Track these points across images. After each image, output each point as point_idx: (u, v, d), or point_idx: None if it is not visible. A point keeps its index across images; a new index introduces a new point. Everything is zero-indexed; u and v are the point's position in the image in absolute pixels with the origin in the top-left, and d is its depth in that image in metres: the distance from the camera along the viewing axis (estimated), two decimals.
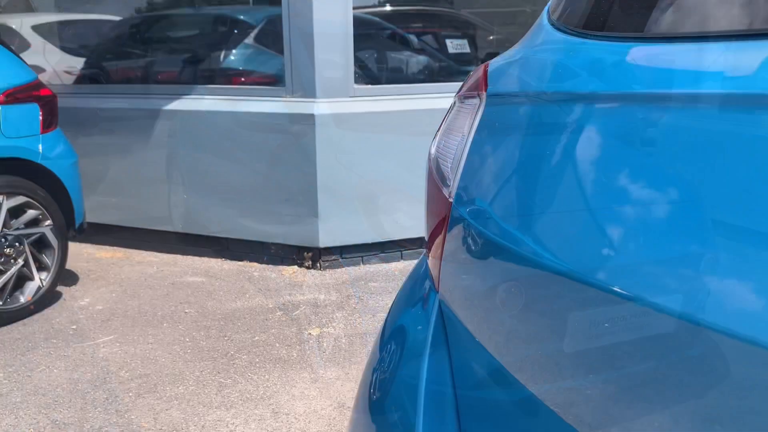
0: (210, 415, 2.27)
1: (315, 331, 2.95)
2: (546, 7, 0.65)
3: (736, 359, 0.39)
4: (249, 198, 3.86)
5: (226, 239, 4.00)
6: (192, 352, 2.76)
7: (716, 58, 0.49)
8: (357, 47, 3.82)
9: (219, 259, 3.98)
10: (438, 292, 0.72)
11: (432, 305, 0.75)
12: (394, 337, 0.83)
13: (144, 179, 4.12)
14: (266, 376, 2.55)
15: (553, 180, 0.56)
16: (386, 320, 0.89)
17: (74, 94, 4.46)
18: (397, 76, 4.42)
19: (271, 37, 4.14)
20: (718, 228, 0.43)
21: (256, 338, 2.91)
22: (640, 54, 0.52)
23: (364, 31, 4.74)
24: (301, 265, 3.82)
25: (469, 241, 0.62)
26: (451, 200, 0.66)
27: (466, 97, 0.70)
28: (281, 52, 3.76)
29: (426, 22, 4.87)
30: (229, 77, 4.40)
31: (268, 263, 3.91)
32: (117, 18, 5.13)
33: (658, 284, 0.46)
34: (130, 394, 2.41)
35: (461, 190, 0.64)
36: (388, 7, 5.24)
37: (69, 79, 4.82)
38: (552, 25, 0.61)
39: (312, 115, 3.60)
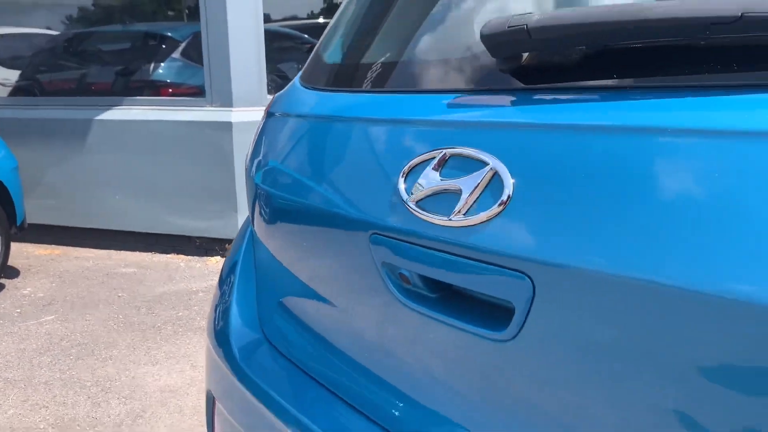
0: (139, 370, 2.77)
1: None
2: (299, 73, 1.21)
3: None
4: (175, 197, 4.33)
5: (156, 235, 4.46)
6: (124, 326, 3.23)
7: (372, 100, 1.05)
8: (272, 59, 4.35)
9: (149, 253, 4.44)
10: (253, 225, 1.27)
11: (248, 232, 1.30)
12: (227, 263, 1.38)
13: (79, 182, 4.54)
14: (187, 341, 3.06)
15: (295, 157, 1.11)
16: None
17: (11, 106, 4.85)
18: None
19: (196, 52, 4.62)
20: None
21: (180, 314, 3.40)
22: (327, 97, 1.08)
23: (279, 44, 5.29)
24: (223, 256, 4.32)
25: (258, 193, 1.16)
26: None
27: (264, 115, 1.25)
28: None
29: None
30: (157, 89, 4.88)
31: (194, 255, 4.39)
32: (53, 32, 5.51)
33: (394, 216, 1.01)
34: (71, 357, 2.88)
35: (253, 169, 1.19)
36: (301, 21, 5.80)
37: (4, 91, 5.19)
38: (300, 81, 1.17)
39: (230, 123, 4.11)
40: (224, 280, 1.39)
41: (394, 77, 0.90)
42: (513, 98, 0.70)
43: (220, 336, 1.23)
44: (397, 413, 0.82)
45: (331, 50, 1.12)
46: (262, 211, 1.17)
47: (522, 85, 0.69)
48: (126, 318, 3.33)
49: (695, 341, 0.53)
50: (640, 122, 0.58)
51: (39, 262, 4.29)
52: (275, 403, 1.00)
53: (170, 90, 4.96)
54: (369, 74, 0.97)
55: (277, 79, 4.61)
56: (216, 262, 4.23)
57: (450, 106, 0.75)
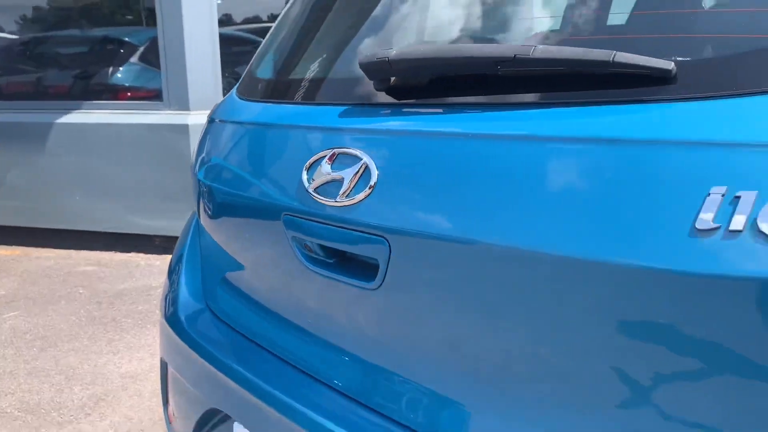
0: (101, 359, 2.94)
1: None
2: (236, 85, 1.43)
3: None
4: (135, 197, 4.49)
5: (116, 234, 4.61)
6: (86, 320, 3.40)
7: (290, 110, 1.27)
8: (227, 62, 4.53)
9: (110, 252, 4.59)
10: (198, 217, 1.48)
11: (192, 225, 1.52)
12: (175, 253, 1.59)
13: (40, 184, 4.67)
14: (147, 333, 3.24)
15: (230, 156, 1.33)
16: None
17: None
18: None
19: (154, 56, 4.78)
20: None
21: (141, 308, 3.57)
22: (256, 107, 1.30)
23: (234, 48, 5.46)
24: None
25: (201, 188, 1.38)
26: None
27: (207, 121, 1.47)
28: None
29: None
30: (116, 92, 5.02)
31: (153, 253, 4.55)
32: (10, 36, 5.60)
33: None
34: (35, 349, 3.03)
35: (197, 167, 1.40)
36: (257, 24, 5.98)
37: None
38: (236, 92, 1.39)
39: (186, 125, 4.29)
40: (173, 267, 1.60)
41: (304, 92, 1.13)
42: (381, 110, 0.93)
43: (170, 310, 1.44)
44: (309, 352, 1.05)
45: (260, 68, 1.35)
46: (205, 203, 1.38)
47: (389, 100, 0.93)
48: (87, 313, 3.49)
49: (500, 281, 0.77)
50: (462, 129, 0.82)
51: (0, 262, 4.40)
52: (215, 358, 1.21)
53: (129, 93, 5.10)
54: (286, 89, 1.20)
55: (233, 82, 4.79)
56: None
57: (340, 115, 0.98)
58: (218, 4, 4.44)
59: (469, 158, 0.79)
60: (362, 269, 0.92)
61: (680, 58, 0.67)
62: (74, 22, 5.70)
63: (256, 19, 6.15)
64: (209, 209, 1.36)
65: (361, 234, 0.88)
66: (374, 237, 0.86)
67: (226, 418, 1.23)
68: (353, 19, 1.18)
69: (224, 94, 4.49)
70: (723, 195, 0.59)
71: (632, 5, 0.83)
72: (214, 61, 4.41)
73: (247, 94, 1.32)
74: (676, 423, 0.64)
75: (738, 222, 0.57)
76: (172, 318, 1.41)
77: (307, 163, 0.99)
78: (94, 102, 4.71)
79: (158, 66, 4.52)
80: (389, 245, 0.85)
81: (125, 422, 2.45)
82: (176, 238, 4.85)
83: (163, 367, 1.54)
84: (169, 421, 1.55)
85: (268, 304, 1.18)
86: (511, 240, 0.72)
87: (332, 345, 1.02)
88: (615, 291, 0.65)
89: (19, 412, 2.50)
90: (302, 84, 1.15)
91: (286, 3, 1.40)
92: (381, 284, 0.87)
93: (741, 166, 0.59)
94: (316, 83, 1.12)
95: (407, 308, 0.87)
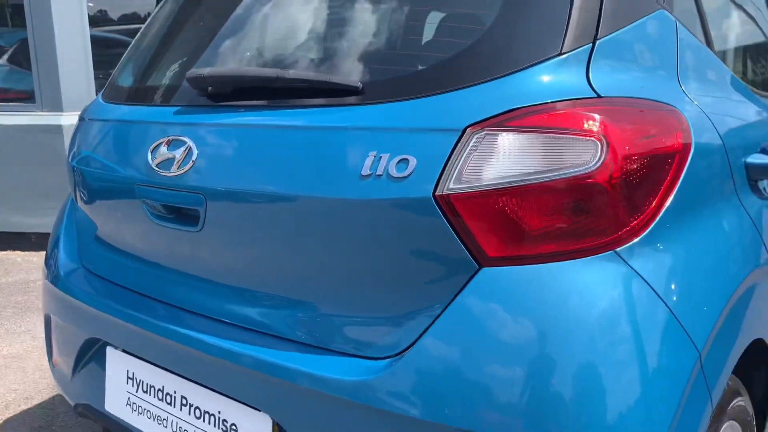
0: None
1: None
2: (102, 90, 1.81)
3: None
4: (10, 196, 4.61)
5: None
6: None
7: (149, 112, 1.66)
8: (101, 63, 4.74)
9: None
10: (74, 196, 1.84)
11: (68, 205, 1.89)
12: (54, 230, 1.94)
13: None
14: (27, 320, 3.46)
15: (95, 146, 1.70)
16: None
17: None
18: None
19: (24, 57, 4.90)
20: None
21: (19, 299, 3.77)
22: (116, 108, 1.69)
23: (106, 50, 5.63)
24: None
25: (75, 173, 1.74)
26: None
27: (78, 120, 1.83)
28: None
29: None
30: None
31: (30, 250, 4.70)
32: None
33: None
34: None
35: (70, 156, 1.77)
36: (130, 25, 6.15)
37: None
38: (102, 97, 1.77)
39: (60, 126, 4.48)
40: (53, 240, 1.94)
41: (149, 97, 1.54)
42: (201, 109, 1.36)
43: (53, 272, 1.80)
44: (159, 280, 1.47)
45: (119, 78, 1.73)
46: (78, 185, 1.75)
47: (206, 102, 1.36)
48: None
49: (271, 218, 1.21)
50: (249, 121, 1.27)
51: None
52: (91, 298, 1.59)
53: None
54: (137, 94, 1.60)
55: (105, 83, 5.00)
56: None
57: (173, 113, 1.40)
58: (90, 6, 4.64)
59: (253, 140, 1.24)
60: (190, 219, 1.35)
61: (363, 80, 1.15)
62: None
63: (130, 20, 6.32)
64: (82, 189, 1.73)
65: (187, 194, 1.31)
66: (196, 195, 1.29)
67: (100, 347, 1.61)
68: (186, 43, 1.60)
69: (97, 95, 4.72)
70: (375, 156, 1.07)
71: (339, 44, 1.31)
72: (87, 62, 4.61)
73: (109, 98, 1.70)
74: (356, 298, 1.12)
75: (381, 170, 1.06)
76: (54, 277, 1.77)
77: (151, 147, 1.40)
78: None
79: (28, 68, 4.66)
80: (205, 200, 1.28)
81: (11, 393, 2.71)
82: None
83: (47, 322, 1.88)
84: (54, 366, 1.89)
85: (129, 251, 1.57)
86: (273, 189, 1.18)
87: (175, 271, 1.43)
88: (326, 213, 1.12)
89: None
90: (149, 91, 1.56)
91: (151, 13, 1.79)
92: (202, 227, 1.30)
93: (382, 140, 1.07)
94: (158, 90, 1.53)
95: (220, 241, 1.30)
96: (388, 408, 1.05)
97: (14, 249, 4.69)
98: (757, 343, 1.32)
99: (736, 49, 1.73)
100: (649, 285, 1.01)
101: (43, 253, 4.64)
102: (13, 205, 4.63)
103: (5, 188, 4.60)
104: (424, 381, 1.04)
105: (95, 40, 4.73)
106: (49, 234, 4.77)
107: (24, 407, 2.60)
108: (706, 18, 1.44)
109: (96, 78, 4.71)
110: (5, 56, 5.46)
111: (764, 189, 1.34)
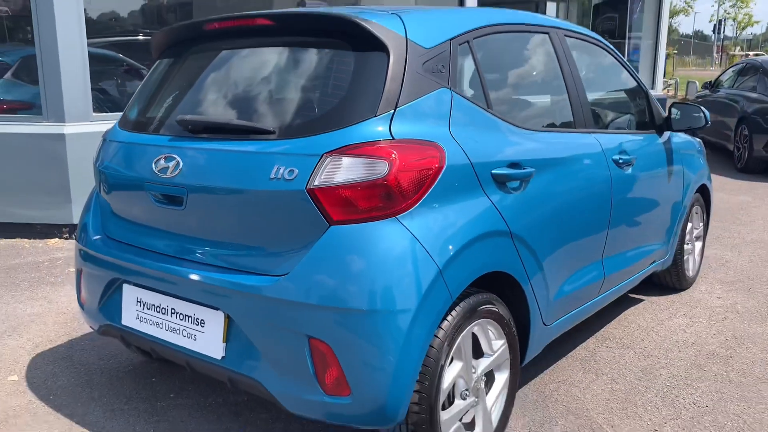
0: (9, 307, 4.05)
1: (71, 269, 4.79)
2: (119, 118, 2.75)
3: None
4: (19, 193, 5.50)
5: (2, 224, 5.59)
6: None
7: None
8: (96, 79, 5.63)
9: None
10: (98, 189, 2.77)
11: (94, 194, 2.83)
12: (84, 210, 2.88)
13: None
14: (42, 289, 4.36)
15: (113, 158, 2.64)
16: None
17: None
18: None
19: (26, 73, 5.77)
20: None
21: (33, 275, 4.67)
22: (127, 134, 2.63)
23: (101, 66, 6.52)
24: (60, 237, 5.57)
25: (100, 173, 2.67)
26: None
27: (102, 139, 2.77)
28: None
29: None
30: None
31: (36, 238, 5.59)
32: None
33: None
34: None
35: (97, 162, 2.70)
36: (126, 37, 6.98)
37: None
38: (118, 124, 2.70)
39: (63, 135, 5.38)
40: (83, 218, 2.88)
41: (151, 127, 2.50)
42: (187, 139, 2.33)
43: (83, 239, 2.74)
44: (159, 240, 2.42)
45: (130, 112, 2.69)
46: (102, 181, 2.69)
47: (190, 135, 2.32)
48: None
49: (220, 202, 2.18)
50: (214, 147, 2.23)
51: None
52: (111, 252, 2.54)
53: (4, 106, 6.05)
54: (143, 125, 2.57)
55: (98, 95, 5.91)
56: (55, 242, 5.48)
57: (168, 140, 2.37)
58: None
59: (214, 158, 2.21)
60: (178, 202, 2.30)
61: (274, 126, 2.13)
62: None
63: (120, 32, 7.16)
64: (105, 185, 2.68)
65: (177, 188, 2.27)
66: (181, 188, 2.25)
67: (118, 285, 2.56)
68: (173, 91, 2.56)
69: (93, 109, 5.63)
70: (277, 167, 2.05)
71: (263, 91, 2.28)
72: (85, 79, 5.51)
73: (123, 127, 2.67)
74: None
75: (280, 175, 2.03)
76: (86, 242, 2.72)
77: (154, 160, 2.36)
78: None
79: (32, 82, 5.53)
80: (187, 192, 2.24)
81: (38, 337, 3.63)
82: (54, 225, 6.01)
83: (78, 274, 2.82)
84: (83, 304, 2.83)
85: (138, 222, 2.52)
86: (224, 185, 2.15)
87: (167, 233, 2.39)
88: (251, 198, 2.09)
89: None
90: (151, 123, 2.52)
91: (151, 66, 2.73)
92: (185, 207, 2.27)
93: (281, 159, 2.05)
94: (158, 123, 2.49)
95: (196, 215, 2.27)
96: (279, 297, 2.03)
97: (23, 237, 5.58)
98: (506, 275, 2.33)
99: (514, 101, 2.74)
100: (413, 234, 2.00)
101: (48, 240, 5.56)
102: (22, 201, 5.52)
103: (15, 186, 5.49)
104: (298, 285, 2.02)
105: (91, 58, 5.62)
106: (51, 224, 5.72)
107: (49, 346, 3.53)
108: (486, 86, 2.44)
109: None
110: (9, 72, 6.35)
111: (510, 187, 2.34)
